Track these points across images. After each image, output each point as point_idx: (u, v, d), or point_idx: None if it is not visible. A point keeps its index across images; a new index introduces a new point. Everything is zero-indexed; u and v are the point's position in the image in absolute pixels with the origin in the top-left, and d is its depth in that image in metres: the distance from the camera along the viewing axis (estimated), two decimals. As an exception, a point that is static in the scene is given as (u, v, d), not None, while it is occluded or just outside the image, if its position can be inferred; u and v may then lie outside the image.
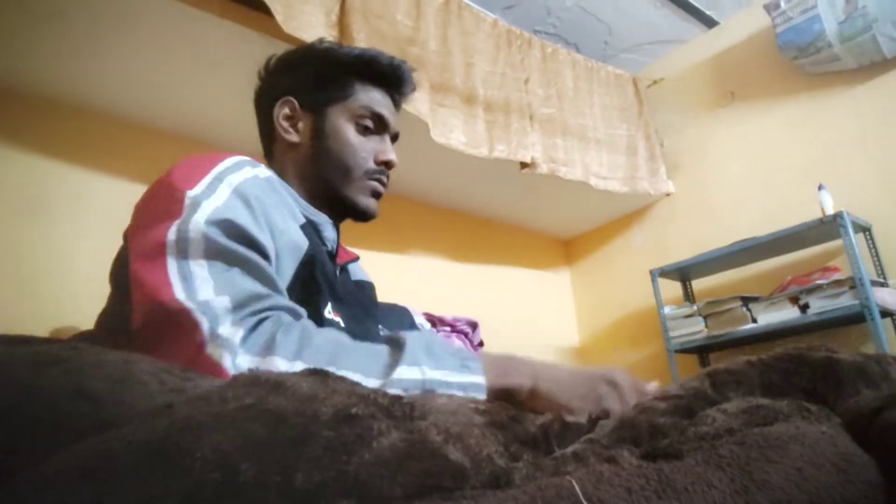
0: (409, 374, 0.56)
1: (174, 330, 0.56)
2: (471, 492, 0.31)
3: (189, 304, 0.56)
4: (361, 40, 1.71)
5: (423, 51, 1.97)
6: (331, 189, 0.86)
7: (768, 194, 2.52)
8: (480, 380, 0.59)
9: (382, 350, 0.59)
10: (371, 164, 0.87)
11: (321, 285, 0.74)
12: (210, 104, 1.91)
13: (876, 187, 2.23)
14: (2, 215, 1.67)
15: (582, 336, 3.19)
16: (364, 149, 0.86)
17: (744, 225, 2.49)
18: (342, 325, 0.76)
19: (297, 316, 0.63)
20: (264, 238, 0.66)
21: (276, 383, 0.34)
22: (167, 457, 0.31)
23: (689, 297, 2.70)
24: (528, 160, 2.24)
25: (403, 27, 1.93)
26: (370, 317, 0.90)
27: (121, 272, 0.68)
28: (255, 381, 0.34)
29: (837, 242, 2.20)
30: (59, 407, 0.36)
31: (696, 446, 0.36)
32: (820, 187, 2.19)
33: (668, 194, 2.87)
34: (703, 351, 2.57)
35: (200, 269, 0.60)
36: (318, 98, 0.87)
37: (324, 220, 0.84)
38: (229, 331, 0.56)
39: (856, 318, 2.04)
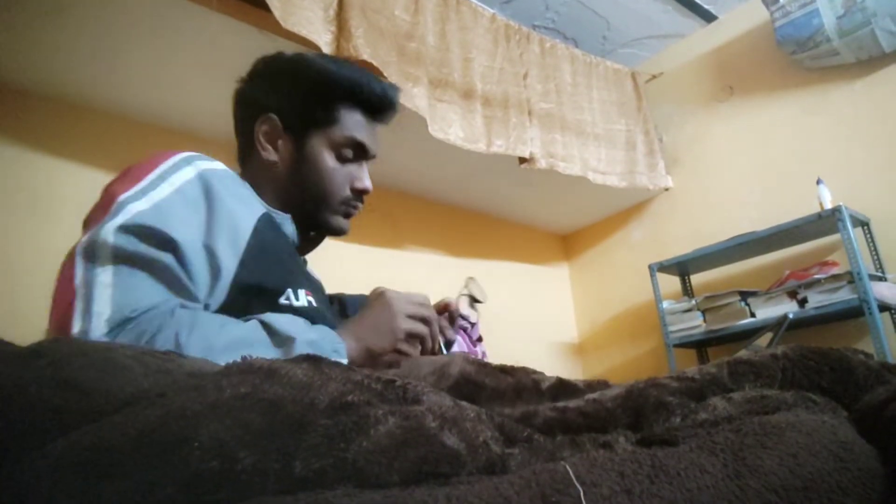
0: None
1: None
2: (467, 477, 0.31)
3: (75, 331, 0.58)
4: (360, 35, 1.70)
5: (422, 46, 1.97)
6: (305, 212, 0.88)
7: (767, 189, 2.52)
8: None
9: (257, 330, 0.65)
10: (347, 192, 0.88)
11: (277, 259, 0.77)
12: (211, 101, 1.90)
13: (874, 182, 2.23)
14: (4, 212, 1.66)
15: (580, 331, 3.19)
16: (341, 176, 0.88)
17: (742, 219, 2.49)
18: (314, 304, 0.79)
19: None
20: (189, 236, 0.67)
21: (269, 371, 0.34)
22: (164, 446, 0.31)
23: (687, 291, 2.70)
24: (526, 155, 2.24)
25: (402, 22, 1.93)
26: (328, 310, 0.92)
27: None
28: (248, 369, 0.35)
29: (836, 237, 2.20)
30: (47, 399, 0.36)
31: (693, 433, 0.36)
32: (818, 181, 2.19)
33: (666, 189, 2.87)
34: (701, 345, 2.57)
35: (105, 275, 0.61)
36: (302, 121, 0.87)
37: (283, 217, 0.85)
38: None
39: (854, 313, 2.04)
